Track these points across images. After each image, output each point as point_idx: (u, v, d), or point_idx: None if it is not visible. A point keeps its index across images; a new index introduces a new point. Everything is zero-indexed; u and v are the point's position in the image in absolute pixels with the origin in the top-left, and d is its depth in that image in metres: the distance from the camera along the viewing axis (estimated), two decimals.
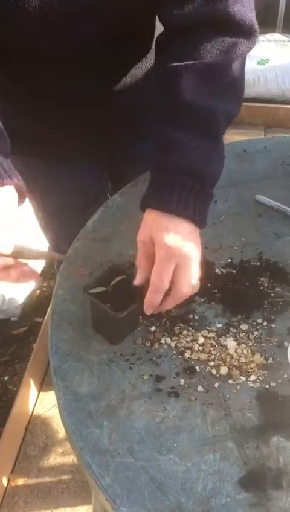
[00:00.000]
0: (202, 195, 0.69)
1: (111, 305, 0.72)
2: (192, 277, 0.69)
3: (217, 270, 0.87)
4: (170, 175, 0.69)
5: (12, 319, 1.87)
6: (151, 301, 0.69)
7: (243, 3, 0.73)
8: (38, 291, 1.92)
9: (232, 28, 0.73)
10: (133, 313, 0.73)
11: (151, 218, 0.69)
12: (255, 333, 0.78)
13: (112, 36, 0.80)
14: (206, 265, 0.88)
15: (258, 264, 0.89)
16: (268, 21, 3.03)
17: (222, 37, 0.73)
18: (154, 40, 0.92)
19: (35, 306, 1.89)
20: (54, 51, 0.80)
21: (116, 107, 0.97)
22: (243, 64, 0.77)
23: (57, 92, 0.90)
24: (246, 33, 0.75)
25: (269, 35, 3.01)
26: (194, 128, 0.70)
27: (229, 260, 0.89)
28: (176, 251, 0.67)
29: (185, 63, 0.72)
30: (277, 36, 2.99)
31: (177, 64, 0.72)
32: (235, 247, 0.92)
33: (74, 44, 0.80)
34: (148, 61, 0.95)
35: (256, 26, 0.76)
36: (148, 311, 0.70)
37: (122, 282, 0.74)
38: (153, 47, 0.93)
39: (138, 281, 0.71)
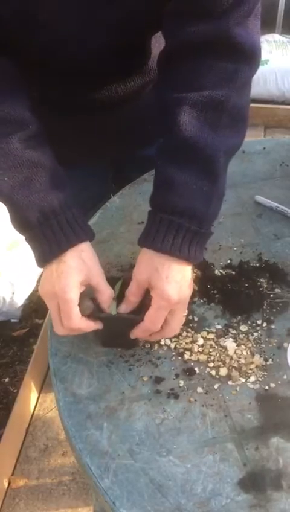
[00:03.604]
0: (198, 236, 0.69)
1: (118, 311, 0.73)
2: (182, 318, 0.72)
3: (216, 271, 0.87)
4: (167, 215, 0.68)
5: (13, 320, 1.87)
6: (139, 336, 0.72)
7: (246, 25, 0.71)
8: (39, 293, 1.92)
9: (233, 51, 0.71)
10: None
11: (148, 257, 0.70)
12: (255, 334, 0.78)
13: (120, 47, 0.80)
14: (206, 267, 0.88)
15: (257, 265, 0.89)
16: (267, 22, 3.04)
17: (223, 64, 0.71)
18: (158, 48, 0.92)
19: (36, 308, 1.89)
20: (60, 61, 0.80)
21: (122, 116, 0.97)
22: (246, 92, 0.75)
23: (60, 101, 0.91)
24: (248, 57, 0.72)
25: (268, 36, 3.02)
26: (195, 169, 0.69)
27: (229, 261, 0.90)
28: (175, 301, 0.68)
29: (185, 94, 0.70)
30: (276, 37, 3.00)
31: (177, 95, 0.71)
32: (235, 248, 0.92)
33: (82, 55, 0.79)
34: (152, 71, 0.95)
35: (258, 51, 0.74)
36: (132, 337, 0.73)
37: (121, 288, 0.75)
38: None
39: (122, 310, 0.73)
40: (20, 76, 0.78)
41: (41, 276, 0.75)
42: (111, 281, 0.75)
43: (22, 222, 0.71)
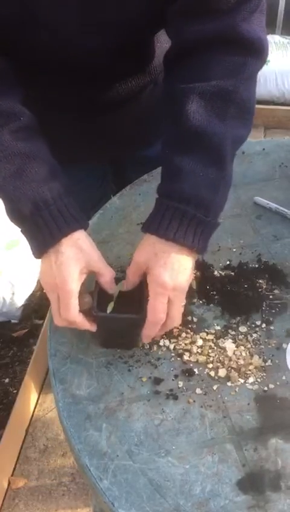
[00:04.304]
0: (204, 224, 0.69)
1: (117, 311, 0.73)
2: (181, 307, 0.72)
3: (215, 272, 0.87)
4: (173, 202, 0.69)
5: (13, 321, 1.87)
6: (150, 334, 0.72)
7: (252, 20, 0.71)
8: (39, 293, 1.93)
9: (241, 46, 0.72)
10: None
11: (151, 243, 0.70)
12: (254, 335, 0.79)
13: (120, 47, 0.80)
14: (205, 268, 0.88)
15: (256, 266, 0.89)
16: (268, 23, 3.01)
17: (230, 57, 0.72)
18: (159, 48, 0.92)
19: (36, 308, 1.89)
20: (61, 61, 0.80)
21: (122, 116, 0.97)
22: (253, 85, 0.75)
23: (60, 100, 0.91)
24: (255, 51, 0.73)
25: (268, 37, 3.01)
26: (202, 156, 0.69)
27: (228, 262, 0.90)
28: (171, 287, 0.68)
29: (193, 85, 0.71)
30: (276, 38, 2.99)
31: (185, 86, 0.71)
32: (234, 249, 0.92)
33: (83, 55, 0.80)
34: (152, 71, 0.95)
35: (266, 44, 0.74)
36: (146, 341, 0.74)
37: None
38: (156, 56, 0.94)
39: (125, 288, 0.74)
40: (19, 76, 0.78)
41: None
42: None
43: (15, 214, 0.72)
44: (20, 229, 0.73)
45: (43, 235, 0.70)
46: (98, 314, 0.72)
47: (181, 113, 0.70)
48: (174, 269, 0.68)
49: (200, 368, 0.75)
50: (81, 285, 0.71)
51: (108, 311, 0.73)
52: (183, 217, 0.68)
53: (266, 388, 0.72)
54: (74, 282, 0.69)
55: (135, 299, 0.73)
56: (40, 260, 0.72)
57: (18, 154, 0.71)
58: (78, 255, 0.70)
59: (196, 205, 0.68)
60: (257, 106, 3.13)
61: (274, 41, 2.96)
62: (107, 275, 0.73)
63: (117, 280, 0.76)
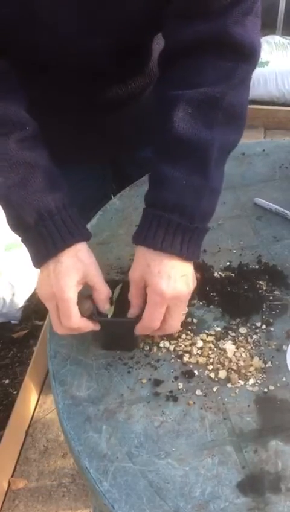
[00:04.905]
0: (190, 231, 0.69)
1: (118, 314, 0.73)
2: (181, 315, 0.72)
3: (215, 274, 0.87)
4: (157, 211, 0.69)
5: (13, 322, 1.87)
6: (142, 334, 0.73)
7: (244, 23, 0.71)
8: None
9: (232, 50, 0.71)
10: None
11: (141, 254, 0.70)
12: (254, 337, 0.78)
13: (120, 48, 0.80)
14: (205, 269, 0.88)
15: (257, 267, 0.89)
16: (268, 23, 3.04)
17: (221, 62, 0.71)
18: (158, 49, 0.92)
19: (36, 309, 1.89)
20: (60, 61, 0.80)
21: (122, 117, 0.97)
22: (244, 89, 0.75)
23: (60, 101, 0.91)
24: (247, 56, 0.73)
25: (269, 38, 3.02)
26: (186, 164, 0.69)
27: (228, 263, 0.90)
28: (169, 296, 0.68)
29: (181, 91, 0.71)
30: (276, 38, 3.00)
31: (173, 92, 0.71)
32: (234, 251, 0.92)
33: (82, 55, 0.80)
34: (152, 73, 0.95)
35: (258, 49, 0.74)
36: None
37: (121, 292, 0.75)
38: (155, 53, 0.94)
39: (130, 315, 0.73)
40: (18, 77, 0.78)
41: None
42: (111, 283, 0.75)
43: (18, 223, 0.71)
44: (21, 238, 0.73)
45: (46, 244, 0.69)
46: (98, 318, 0.72)
47: (167, 121, 0.70)
48: (170, 277, 0.68)
49: (200, 370, 0.75)
50: (81, 291, 0.71)
51: (108, 316, 0.73)
52: (169, 225, 0.68)
53: (266, 390, 0.72)
54: (71, 290, 0.68)
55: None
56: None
57: (23, 163, 0.71)
58: (77, 265, 0.70)
59: (180, 213, 0.68)
60: (257, 107, 3.14)
61: (274, 41, 2.96)
62: (102, 293, 0.72)
63: (116, 283, 0.76)
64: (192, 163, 0.70)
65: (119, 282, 0.76)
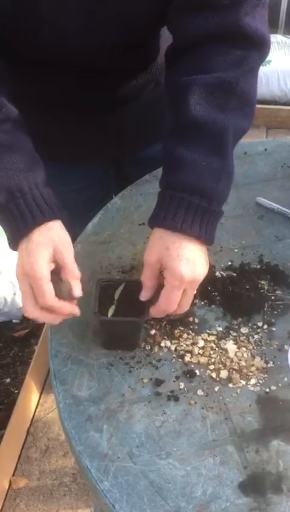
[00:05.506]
0: (209, 213, 0.69)
1: (119, 314, 0.73)
2: (192, 296, 0.71)
3: (217, 273, 0.87)
4: (176, 193, 0.68)
5: (14, 321, 1.87)
6: (154, 316, 0.72)
7: (254, 15, 0.71)
8: None
9: (243, 40, 0.72)
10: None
11: (158, 237, 0.69)
12: (256, 336, 0.78)
13: (121, 44, 0.80)
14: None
15: (258, 266, 0.88)
16: (270, 22, 3.02)
17: (232, 50, 0.72)
18: (161, 47, 0.92)
19: None
20: (62, 58, 0.80)
21: (123, 115, 0.97)
22: (254, 77, 0.75)
23: (62, 99, 0.91)
24: (257, 45, 0.73)
25: (271, 37, 3.01)
26: (204, 146, 0.69)
27: (230, 263, 0.89)
28: (188, 280, 0.67)
29: (194, 76, 0.71)
30: (278, 37, 2.99)
31: (186, 78, 0.71)
32: (236, 250, 0.92)
33: (84, 52, 0.79)
34: (154, 70, 0.95)
35: (268, 38, 0.75)
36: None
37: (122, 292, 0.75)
38: (159, 55, 0.93)
39: (144, 297, 0.72)
40: (19, 75, 0.77)
41: None
42: (113, 283, 0.75)
43: None
44: None
45: (17, 224, 0.68)
46: (99, 317, 0.72)
47: (183, 104, 0.70)
48: (189, 260, 0.67)
49: (202, 369, 0.74)
50: (61, 273, 0.69)
51: (109, 314, 0.73)
52: (189, 206, 0.67)
53: (267, 390, 0.72)
54: (43, 268, 0.67)
55: (136, 301, 0.72)
56: None
57: None
58: (47, 242, 0.68)
59: (200, 195, 0.68)
60: (259, 106, 3.13)
61: (276, 40, 2.95)
62: (70, 273, 0.70)
63: (118, 282, 0.75)
64: (210, 146, 0.69)
65: (121, 281, 0.76)
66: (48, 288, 0.67)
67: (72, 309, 0.70)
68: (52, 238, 0.69)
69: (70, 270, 0.70)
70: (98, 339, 0.77)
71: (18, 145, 0.72)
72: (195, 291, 0.71)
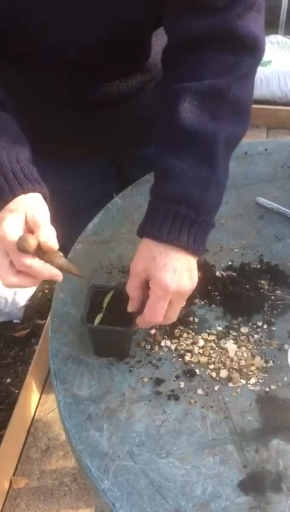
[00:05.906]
0: (197, 224, 0.68)
1: (109, 322, 0.72)
2: (180, 308, 0.71)
3: (217, 273, 0.87)
4: (164, 203, 0.68)
5: (15, 321, 1.87)
6: (141, 327, 0.72)
7: (246, 18, 0.71)
8: (40, 294, 1.93)
9: (234, 43, 0.71)
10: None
11: (146, 246, 0.68)
12: (256, 336, 0.78)
13: (120, 43, 0.80)
14: (207, 268, 0.88)
15: (258, 266, 0.88)
16: (270, 23, 3.03)
17: (224, 55, 0.71)
18: (159, 47, 0.92)
19: (37, 308, 1.89)
20: (61, 58, 0.80)
21: (123, 114, 0.97)
22: (249, 82, 0.74)
23: (61, 98, 0.91)
24: (250, 49, 0.72)
25: (271, 38, 3.01)
26: (193, 155, 0.69)
27: (230, 263, 0.89)
28: (173, 290, 0.67)
29: (185, 84, 0.71)
30: (279, 38, 3.00)
31: (177, 85, 0.71)
32: (236, 250, 0.92)
33: (83, 51, 0.80)
34: (153, 69, 0.95)
35: (261, 42, 0.74)
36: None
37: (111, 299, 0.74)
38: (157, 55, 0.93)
39: (131, 309, 0.71)
40: (18, 73, 0.77)
41: None
42: (102, 291, 0.74)
43: None
44: None
45: None
46: (86, 324, 0.71)
47: (173, 113, 0.70)
48: (175, 271, 0.67)
49: (202, 369, 0.75)
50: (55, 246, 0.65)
51: (96, 322, 0.71)
52: (176, 217, 0.67)
53: (267, 389, 0.72)
54: (12, 228, 0.64)
55: (125, 310, 0.71)
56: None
57: None
58: (20, 207, 0.65)
59: (187, 205, 0.67)
60: (260, 106, 3.13)
61: (277, 41, 2.96)
62: (45, 228, 0.65)
63: (107, 290, 0.74)
64: (199, 155, 0.69)
65: (110, 289, 0.75)
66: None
67: (52, 271, 0.65)
68: (26, 206, 0.66)
69: (44, 226, 0.65)
70: (91, 345, 0.77)
71: (1, 124, 0.71)
72: (183, 304, 0.70)
